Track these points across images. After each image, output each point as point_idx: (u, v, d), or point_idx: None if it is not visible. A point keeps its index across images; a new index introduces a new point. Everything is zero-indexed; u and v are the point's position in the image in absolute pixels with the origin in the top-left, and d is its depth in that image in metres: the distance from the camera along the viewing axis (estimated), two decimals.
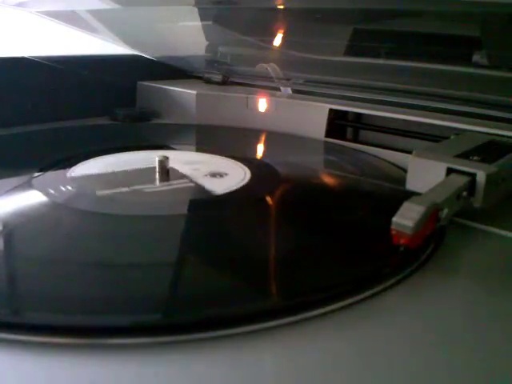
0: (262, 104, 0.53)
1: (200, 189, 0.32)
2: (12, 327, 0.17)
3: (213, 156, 0.39)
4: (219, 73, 0.61)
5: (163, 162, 0.34)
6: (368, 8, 0.42)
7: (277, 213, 0.31)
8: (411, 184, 0.30)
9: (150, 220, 0.28)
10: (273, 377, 0.17)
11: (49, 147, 0.44)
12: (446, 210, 0.24)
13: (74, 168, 0.35)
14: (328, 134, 0.48)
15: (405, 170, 0.31)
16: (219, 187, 0.32)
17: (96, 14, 0.54)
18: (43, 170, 0.34)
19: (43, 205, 0.29)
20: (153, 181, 0.33)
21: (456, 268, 0.24)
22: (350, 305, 0.20)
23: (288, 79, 0.57)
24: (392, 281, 0.22)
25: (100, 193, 0.30)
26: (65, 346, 0.17)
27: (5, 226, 0.26)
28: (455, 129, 0.38)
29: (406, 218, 0.22)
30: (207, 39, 0.60)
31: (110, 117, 0.55)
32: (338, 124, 0.48)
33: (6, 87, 0.49)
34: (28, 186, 0.31)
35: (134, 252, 0.24)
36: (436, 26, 0.43)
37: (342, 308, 0.20)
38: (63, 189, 0.31)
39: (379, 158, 0.42)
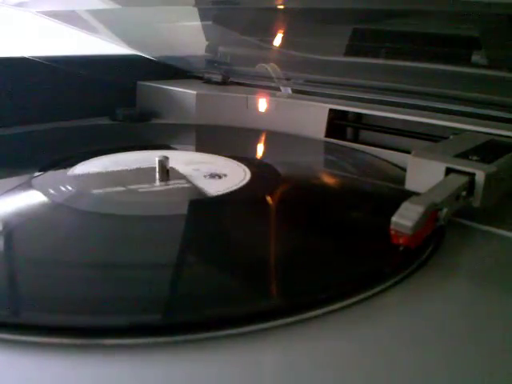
0: (262, 104, 0.53)
1: (195, 190, 0.32)
2: (11, 327, 0.17)
3: (213, 156, 0.39)
4: (219, 73, 0.61)
5: (163, 162, 0.34)
6: (368, 8, 0.42)
7: (277, 213, 0.31)
8: (410, 184, 0.30)
9: (149, 220, 0.28)
10: (273, 377, 0.17)
11: (49, 147, 0.44)
12: (445, 210, 0.24)
13: (73, 168, 0.35)
14: (328, 133, 0.48)
15: (404, 170, 0.31)
16: (216, 188, 0.32)
17: (96, 13, 0.54)
18: (43, 170, 0.34)
19: (43, 205, 0.29)
20: (152, 181, 0.33)
21: (456, 268, 0.24)
22: (350, 305, 0.20)
23: (288, 79, 0.57)
24: (392, 281, 0.22)
25: (96, 191, 0.30)
26: (64, 347, 0.17)
27: (5, 225, 0.26)
28: (455, 129, 0.38)
29: (405, 217, 0.22)
30: (207, 39, 0.60)
31: (110, 117, 0.55)
32: (337, 124, 0.48)
33: (6, 87, 0.49)
34: (28, 186, 0.31)
35: (133, 252, 0.24)
36: (436, 26, 0.43)
37: (342, 308, 0.20)
38: (63, 189, 0.31)
39: (379, 158, 0.42)
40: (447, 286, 0.22)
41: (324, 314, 0.19)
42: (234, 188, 0.32)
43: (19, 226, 0.26)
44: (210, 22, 0.57)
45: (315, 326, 0.19)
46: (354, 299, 0.20)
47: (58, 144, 0.45)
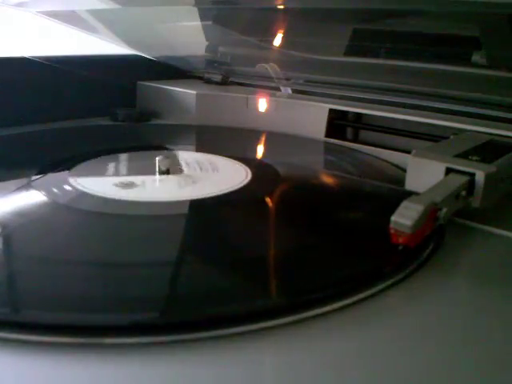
0: (262, 104, 0.53)
1: None
2: (11, 326, 0.17)
3: (213, 156, 0.39)
4: (219, 73, 0.61)
5: (163, 163, 0.34)
6: (368, 8, 0.42)
7: (277, 213, 0.31)
8: (410, 184, 0.30)
9: (150, 220, 0.28)
10: (273, 376, 0.17)
11: (49, 147, 0.44)
12: (444, 210, 0.24)
13: (74, 169, 0.35)
14: (328, 134, 0.48)
15: (404, 170, 0.31)
16: (218, 187, 0.32)
17: (96, 13, 0.54)
18: (43, 170, 0.34)
19: (43, 205, 0.29)
20: (152, 180, 0.33)
21: (456, 268, 0.24)
22: (350, 304, 0.20)
23: (288, 79, 0.57)
24: (392, 280, 0.22)
25: (96, 192, 0.30)
26: (64, 346, 0.17)
27: (6, 226, 0.26)
28: (455, 129, 0.38)
29: (405, 217, 0.22)
30: (207, 39, 0.60)
31: (110, 117, 0.55)
32: (337, 124, 0.48)
33: (5, 87, 0.49)
34: (28, 186, 0.31)
35: (134, 251, 0.24)
36: (436, 26, 0.43)
37: (342, 308, 0.20)
38: (63, 189, 0.31)
39: (379, 158, 0.42)
40: (447, 285, 0.22)
41: (324, 314, 0.19)
42: (235, 188, 0.32)
43: (20, 227, 0.26)
44: (210, 22, 0.57)
45: (315, 325, 0.19)
46: (353, 299, 0.20)
47: (58, 144, 0.45)
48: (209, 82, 0.62)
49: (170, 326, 0.18)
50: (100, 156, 0.38)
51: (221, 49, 0.62)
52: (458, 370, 0.17)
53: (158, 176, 0.34)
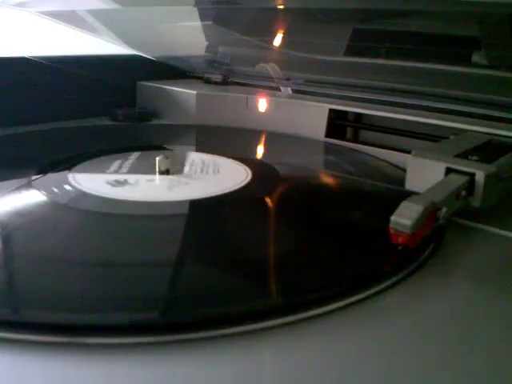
0: (262, 104, 0.53)
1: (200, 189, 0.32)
2: (11, 326, 0.17)
3: (213, 156, 0.39)
4: (219, 73, 0.61)
5: (163, 162, 0.34)
6: (368, 8, 0.42)
7: (277, 213, 0.31)
8: (410, 184, 0.30)
9: (150, 220, 0.28)
10: (273, 377, 0.17)
11: (49, 147, 0.44)
12: (444, 210, 0.24)
13: (74, 168, 0.35)
14: (328, 134, 0.48)
15: (404, 170, 0.31)
16: (218, 187, 0.32)
17: (96, 13, 0.54)
18: (43, 170, 0.34)
19: (43, 205, 0.29)
20: (152, 180, 0.33)
21: (456, 268, 0.24)
22: (350, 305, 0.20)
23: (288, 79, 0.57)
24: (392, 281, 0.22)
25: (96, 193, 0.30)
26: (64, 345, 0.17)
27: (5, 226, 0.26)
28: (455, 129, 0.38)
29: (405, 217, 0.22)
30: (207, 39, 0.60)
31: (110, 117, 0.55)
32: (337, 124, 0.48)
33: (6, 87, 0.49)
34: (28, 186, 0.31)
35: (134, 251, 0.24)
36: (436, 26, 0.43)
37: (342, 308, 0.20)
38: (63, 189, 0.31)
39: (379, 158, 0.42)
40: (447, 286, 0.22)
41: (324, 314, 0.19)
42: (235, 188, 0.32)
43: (19, 227, 0.26)
44: (210, 22, 0.57)
45: (315, 325, 0.19)
46: (353, 299, 0.20)
47: (57, 144, 0.45)
48: (209, 81, 0.62)
49: (168, 325, 0.18)
50: (100, 156, 0.38)
51: (221, 49, 0.62)
52: (458, 371, 0.17)
53: (158, 176, 0.34)
